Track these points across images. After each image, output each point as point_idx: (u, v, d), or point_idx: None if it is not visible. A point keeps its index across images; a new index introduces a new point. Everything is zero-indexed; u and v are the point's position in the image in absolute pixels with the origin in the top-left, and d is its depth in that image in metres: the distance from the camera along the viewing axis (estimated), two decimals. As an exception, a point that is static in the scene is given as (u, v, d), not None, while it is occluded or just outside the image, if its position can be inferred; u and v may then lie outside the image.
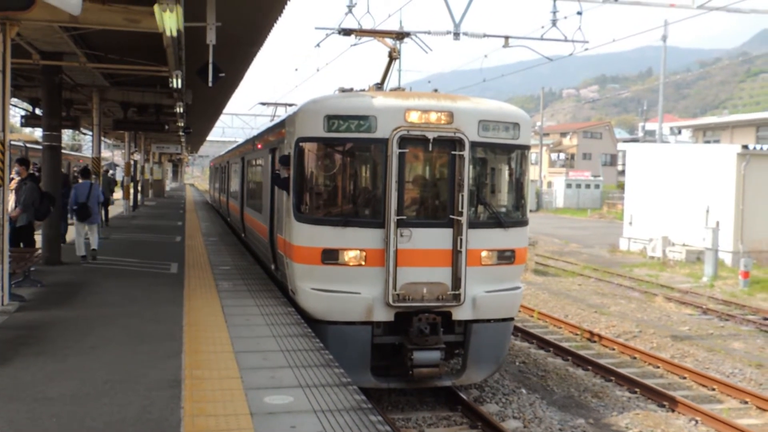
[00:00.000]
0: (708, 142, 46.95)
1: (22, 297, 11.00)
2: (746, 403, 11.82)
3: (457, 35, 17.62)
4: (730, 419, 10.80)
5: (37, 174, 14.74)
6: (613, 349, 15.23)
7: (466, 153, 10.16)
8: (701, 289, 22.87)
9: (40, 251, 13.84)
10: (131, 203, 31.98)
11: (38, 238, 15.01)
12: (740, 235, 27.28)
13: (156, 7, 8.25)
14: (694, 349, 15.15)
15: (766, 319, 18.51)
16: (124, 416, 6.08)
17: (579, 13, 18.00)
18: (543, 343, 15.37)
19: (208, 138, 59.83)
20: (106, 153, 58.01)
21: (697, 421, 10.91)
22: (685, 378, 13.21)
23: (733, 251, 27.16)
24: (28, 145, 32.64)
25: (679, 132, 66.50)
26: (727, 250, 27.11)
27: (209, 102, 26.28)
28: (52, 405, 6.32)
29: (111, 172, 32.86)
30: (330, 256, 10.06)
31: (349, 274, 10.07)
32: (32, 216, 13.23)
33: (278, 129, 12.88)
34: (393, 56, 12.29)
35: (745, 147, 28.23)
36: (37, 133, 36.16)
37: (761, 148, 29.28)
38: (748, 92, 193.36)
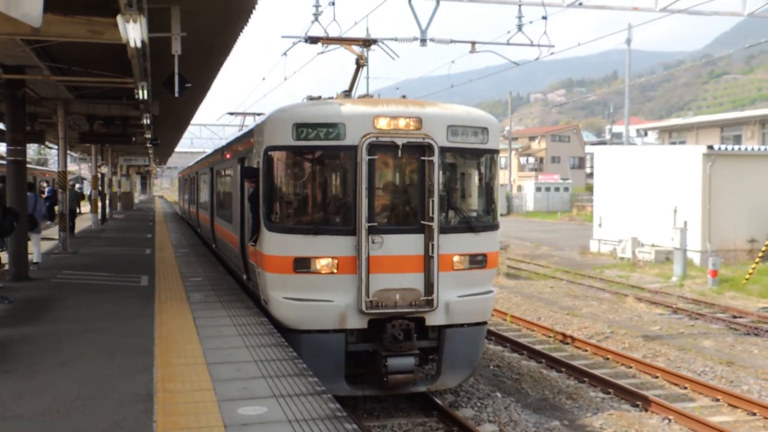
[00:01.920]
0: (674, 143, 47.53)
1: (-12, 314, 10.83)
2: (718, 400, 11.94)
3: (423, 41, 17.67)
4: (703, 417, 10.90)
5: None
6: (586, 351, 15.32)
7: (436, 158, 10.18)
8: (671, 289, 23.10)
9: (6, 267, 13.62)
10: (99, 217, 31.61)
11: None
12: (708, 235, 27.61)
13: (119, 18, 8.17)
14: (666, 349, 15.28)
15: (735, 317, 18.73)
16: (96, 432, 5.99)
17: (544, 18, 18.11)
18: (516, 347, 15.42)
19: (177, 149, 59.40)
20: (72, 167, 57.37)
21: (670, 420, 10.99)
22: (657, 377, 13.32)
23: (701, 251, 27.47)
24: (-7, 160, 32.19)
25: (646, 134, 67.29)
26: (696, 249, 27.42)
27: (177, 113, 26.07)
28: (21, 423, 6.21)
29: (78, 186, 32.45)
30: (302, 265, 10.02)
31: (322, 282, 10.03)
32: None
33: (247, 138, 12.82)
34: (360, 63, 12.29)
35: (711, 147, 28.59)
36: (2, 148, 35.66)
37: (726, 149, 29.70)
38: (712, 93, 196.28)
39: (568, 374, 13.49)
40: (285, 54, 21.24)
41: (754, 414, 11.26)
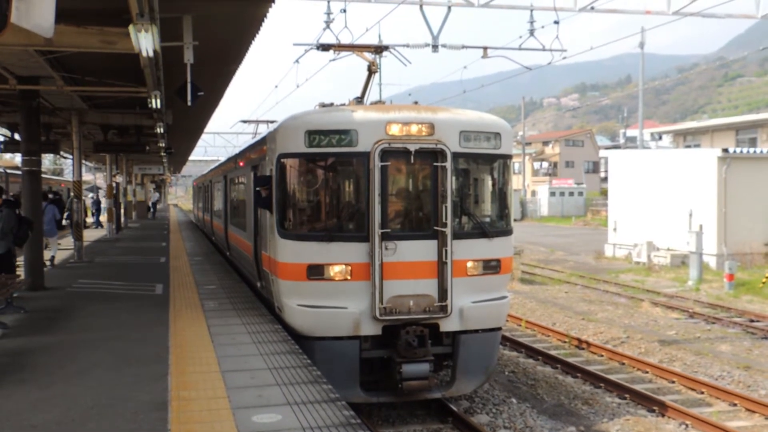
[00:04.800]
0: (689, 146, 47.28)
1: (4, 324, 10.88)
2: (735, 405, 11.84)
3: (435, 47, 17.69)
4: (720, 422, 10.81)
5: (12, 199, 14.53)
6: (602, 356, 15.24)
7: (449, 164, 10.16)
8: (687, 293, 22.94)
9: (21, 277, 13.69)
10: (114, 225, 31.76)
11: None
12: (724, 238, 27.43)
13: (131, 28, 8.22)
14: (682, 353, 15.18)
15: (752, 321, 18.58)
16: (110, 441, 5.99)
17: (556, 22, 18.10)
18: (531, 352, 15.36)
19: (191, 157, 59.71)
20: (87, 176, 57.69)
21: (687, 425, 10.91)
22: (673, 382, 13.22)
23: (717, 254, 27.29)
24: (9, 170, 32.43)
25: (660, 137, 66.97)
26: (711, 253, 27.23)
27: (190, 121, 26.22)
28: (37, 432, 6.23)
29: (92, 195, 32.75)
30: (315, 272, 10.01)
31: (335, 289, 10.03)
32: (10, 242, 13.10)
33: (259, 146, 12.85)
34: (372, 70, 12.30)
35: (726, 150, 28.43)
36: (18, 158, 35.94)
37: (741, 151, 29.52)
38: (726, 96, 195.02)
39: (584, 379, 13.42)
40: (297, 61, 21.27)
41: (773, 419, 11.16)
